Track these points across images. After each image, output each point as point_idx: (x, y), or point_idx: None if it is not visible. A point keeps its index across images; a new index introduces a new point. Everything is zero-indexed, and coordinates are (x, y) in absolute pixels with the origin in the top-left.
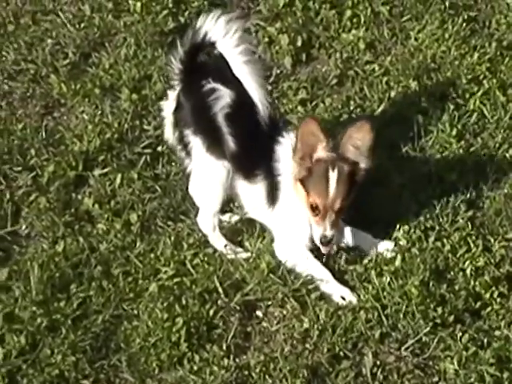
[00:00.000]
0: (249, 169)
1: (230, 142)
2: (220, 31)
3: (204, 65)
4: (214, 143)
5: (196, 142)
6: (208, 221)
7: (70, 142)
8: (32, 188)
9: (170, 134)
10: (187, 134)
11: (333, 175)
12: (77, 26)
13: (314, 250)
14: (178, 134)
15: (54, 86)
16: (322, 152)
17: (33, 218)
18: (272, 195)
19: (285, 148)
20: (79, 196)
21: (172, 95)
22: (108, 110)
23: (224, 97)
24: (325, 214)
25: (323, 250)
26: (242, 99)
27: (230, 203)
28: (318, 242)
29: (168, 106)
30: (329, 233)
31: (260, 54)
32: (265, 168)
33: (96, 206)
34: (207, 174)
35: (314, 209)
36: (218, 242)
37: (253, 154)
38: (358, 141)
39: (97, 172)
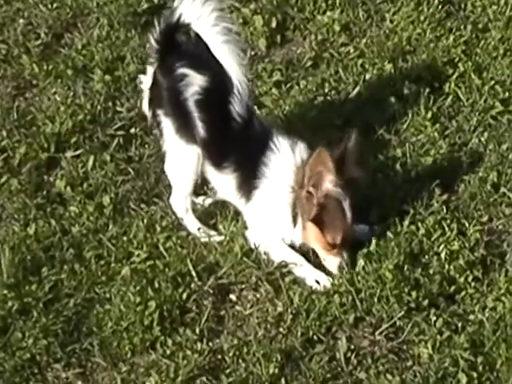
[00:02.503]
0: (218, 158)
1: (200, 128)
2: (195, 12)
3: (181, 47)
4: (184, 127)
5: (167, 123)
6: (180, 203)
7: (41, 124)
8: (3, 170)
9: (146, 109)
10: (159, 114)
11: (346, 205)
12: (49, 6)
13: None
14: (151, 112)
15: (25, 67)
16: (329, 185)
17: (4, 200)
18: (246, 189)
19: (279, 159)
20: (51, 178)
21: (150, 71)
22: (80, 91)
23: (196, 83)
24: (343, 246)
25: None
26: (215, 87)
27: (203, 186)
28: (335, 271)
29: (146, 80)
30: (345, 257)
31: (239, 33)
32: (236, 161)
33: (68, 188)
34: (178, 157)
35: (331, 245)
36: (192, 224)
37: (223, 144)
38: (323, 167)
39: (69, 154)
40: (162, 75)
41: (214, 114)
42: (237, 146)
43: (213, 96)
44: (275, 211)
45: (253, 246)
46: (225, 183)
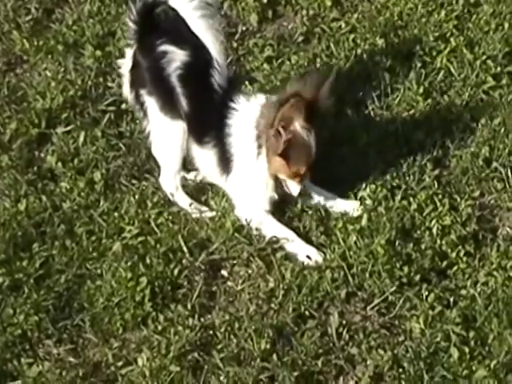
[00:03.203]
0: (200, 133)
1: (183, 103)
2: None
3: (159, 25)
4: (168, 104)
5: (150, 102)
6: (170, 180)
7: (32, 100)
8: None
9: (127, 93)
10: (142, 94)
11: (312, 138)
12: None
13: (274, 212)
14: (133, 93)
15: (16, 43)
16: (298, 127)
17: None
18: (224, 163)
19: (239, 116)
20: (42, 154)
21: (129, 53)
22: (71, 66)
23: (177, 58)
24: (306, 175)
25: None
26: (196, 61)
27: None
28: (295, 195)
29: (125, 64)
30: (307, 180)
31: (215, 6)
32: (215, 135)
33: (59, 164)
34: (163, 134)
35: (295, 175)
36: (182, 201)
37: (204, 118)
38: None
39: (60, 130)
40: (143, 55)
41: (196, 87)
42: (217, 120)
43: (194, 69)
44: (254, 180)
45: (244, 223)
46: (207, 160)
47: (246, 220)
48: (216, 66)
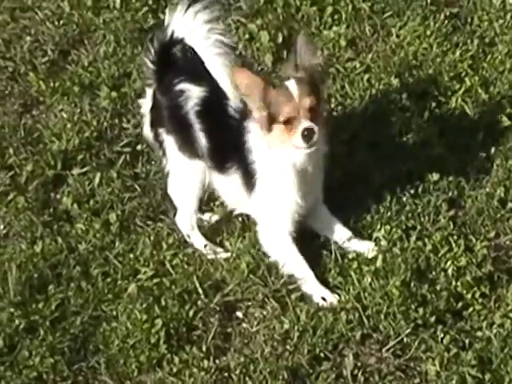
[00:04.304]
0: (221, 161)
1: (202, 138)
2: (187, 26)
3: (177, 63)
4: (187, 142)
5: (169, 141)
6: (186, 220)
7: (48, 141)
8: (10, 187)
9: (148, 132)
10: (161, 133)
11: (289, 82)
12: (56, 23)
13: (296, 232)
14: (154, 132)
15: (32, 84)
16: (264, 86)
17: (11, 217)
18: (248, 183)
19: (255, 133)
20: (58, 195)
21: (149, 93)
22: (87, 108)
23: (194, 95)
24: (298, 114)
25: (307, 145)
26: (212, 94)
27: (209, 202)
28: (301, 142)
29: (146, 103)
30: (308, 124)
31: (232, 42)
32: (237, 157)
33: (75, 205)
34: (181, 174)
35: (288, 124)
36: (198, 241)
37: (224, 146)
38: (305, 48)
39: (76, 171)
40: (162, 94)
41: (213, 118)
42: (236, 143)
43: (211, 103)
44: (278, 194)
45: (265, 249)
46: (232, 185)
47: (266, 245)
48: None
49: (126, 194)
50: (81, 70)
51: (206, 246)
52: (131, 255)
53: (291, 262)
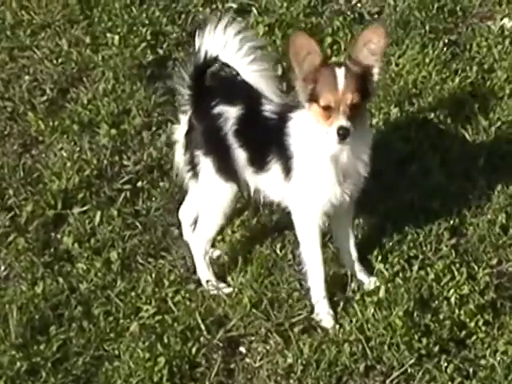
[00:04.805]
0: (263, 160)
1: (241, 154)
2: (220, 41)
3: (211, 87)
4: (224, 164)
5: (206, 163)
6: (202, 243)
7: (48, 181)
8: (10, 228)
9: (180, 157)
10: (198, 155)
11: (340, 71)
12: (54, 62)
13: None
14: (188, 155)
15: (31, 124)
16: (321, 61)
17: (11, 259)
18: (286, 169)
19: (295, 121)
20: (58, 235)
21: (184, 119)
22: (87, 146)
23: (231, 116)
24: (337, 107)
25: (339, 141)
26: (248, 109)
27: (216, 238)
28: (335, 139)
29: (180, 129)
30: (345, 123)
31: (265, 47)
32: (276, 150)
33: (76, 244)
34: (214, 196)
35: (326, 111)
36: (203, 271)
37: (264, 146)
38: (373, 44)
39: (76, 210)
40: (199, 118)
41: (251, 129)
42: (274, 137)
43: (247, 118)
44: (313, 165)
45: (298, 235)
46: (274, 178)
47: (299, 234)
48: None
49: (127, 231)
50: (80, 108)
51: (208, 281)
52: (133, 293)
53: (313, 257)
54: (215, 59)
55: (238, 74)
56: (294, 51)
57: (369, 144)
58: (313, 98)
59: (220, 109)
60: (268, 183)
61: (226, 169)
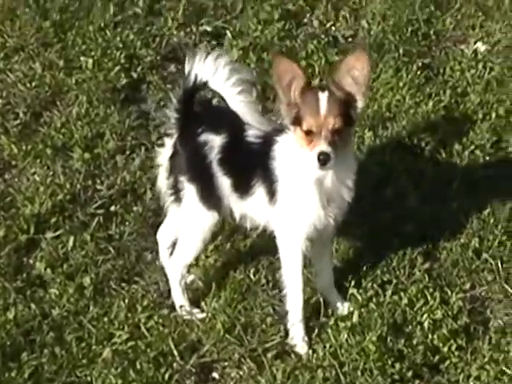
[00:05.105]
0: (247, 185)
1: (225, 181)
2: (210, 68)
3: (198, 113)
4: (208, 192)
5: (189, 190)
6: (179, 268)
7: (21, 205)
8: None
9: (163, 181)
10: (182, 181)
11: (322, 95)
12: (28, 85)
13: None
14: (171, 180)
15: (4, 148)
16: (304, 85)
17: None
18: (270, 193)
19: (280, 144)
20: (31, 260)
21: (169, 142)
22: (60, 170)
23: (216, 145)
24: (319, 132)
25: (320, 167)
26: (232, 137)
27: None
28: (316, 164)
29: (164, 153)
30: (326, 148)
31: (253, 79)
32: (260, 173)
33: (48, 270)
34: (195, 223)
35: (309, 135)
36: (179, 296)
37: (248, 171)
38: (356, 71)
39: (49, 235)
40: (184, 144)
41: (235, 157)
42: (258, 161)
43: (231, 146)
44: (297, 189)
45: (281, 257)
46: (258, 202)
47: (282, 257)
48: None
49: (100, 256)
50: (53, 131)
51: (181, 306)
52: (106, 319)
53: (293, 282)
54: (204, 85)
55: (224, 101)
56: (278, 76)
57: (353, 169)
58: (296, 122)
59: (206, 136)
60: (253, 207)
61: (210, 197)
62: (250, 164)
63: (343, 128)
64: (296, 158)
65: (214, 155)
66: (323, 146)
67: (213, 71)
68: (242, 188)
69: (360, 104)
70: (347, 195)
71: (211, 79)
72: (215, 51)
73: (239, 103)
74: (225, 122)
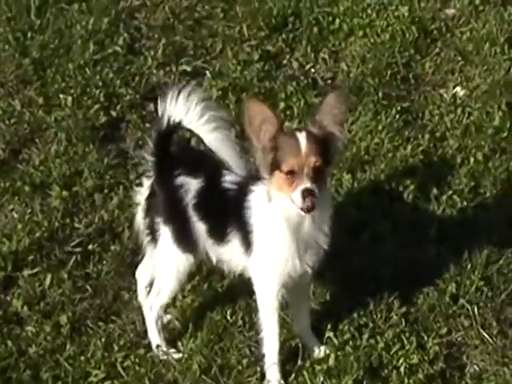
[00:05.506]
0: (222, 232)
1: (200, 226)
2: (182, 108)
3: (174, 155)
4: (183, 235)
5: (165, 232)
6: (155, 309)
7: None
8: None
9: (140, 221)
10: (158, 222)
11: (301, 135)
12: (6, 122)
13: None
14: (148, 220)
15: None
16: (278, 128)
17: None
18: (247, 243)
19: (256, 194)
20: (8, 297)
21: (147, 183)
22: (38, 208)
23: (192, 188)
24: (301, 171)
25: (304, 204)
26: (209, 180)
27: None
28: (299, 202)
29: (142, 192)
30: (310, 185)
31: (227, 116)
32: (236, 221)
33: (25, 307)
34: (170, 265)
35: (290, 176)
36: (155, 336)
37: (223, 218)
38: (336, 109)
39: (26, 272)
40: (161, 186)
41: (211, 202)
42: (234, 208)
43: (207, 190)
44: (273, 236)
45: (259, 303)
46: (234, 251)
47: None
48: (229, 168)
49: (77, 294)
50: (32, 169)
51: (158, 346)
52: (82, 358)
53: (269, 333)
54: (178, 125)
55: (201, 140)
56: (249, 121)
57: (329, 213)
58: (274, 166)
59: (182, 179)
60: (228, 255)
61: (185, 240)
62: (226, 212)
63: (323, 167)
64: (272, 207)
65: (189, 199)
66: (307, 184)
67: (185, 110)
68: (218, 235)
69: (339, 143)
70: (323, 242)
71: (184, 118)
72: (187, 88)
73: (214, 140)
74: (202, 165)
